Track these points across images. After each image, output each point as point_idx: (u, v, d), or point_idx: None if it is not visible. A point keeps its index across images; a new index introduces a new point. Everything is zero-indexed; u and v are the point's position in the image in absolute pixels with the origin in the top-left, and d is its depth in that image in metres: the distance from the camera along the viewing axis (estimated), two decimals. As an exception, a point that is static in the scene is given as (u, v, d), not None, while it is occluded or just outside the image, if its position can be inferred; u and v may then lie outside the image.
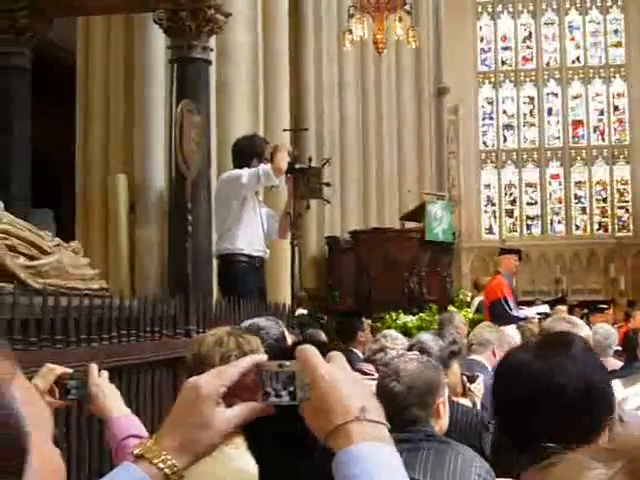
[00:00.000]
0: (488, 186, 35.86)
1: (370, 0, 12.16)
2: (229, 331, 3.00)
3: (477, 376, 4.94)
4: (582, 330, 4.15)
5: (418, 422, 3.26)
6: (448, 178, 28.85)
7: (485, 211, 35.81)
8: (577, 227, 35.55)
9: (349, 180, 16.68)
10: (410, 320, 11.53)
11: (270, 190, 9.13)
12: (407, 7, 12.60)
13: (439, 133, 19.81)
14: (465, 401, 4.72)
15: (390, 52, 16.24)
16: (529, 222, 35.75)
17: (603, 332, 6.69)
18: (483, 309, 11.29)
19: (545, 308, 10.93)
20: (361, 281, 13.43)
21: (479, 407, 4.80)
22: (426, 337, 4.72)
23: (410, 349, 4.52)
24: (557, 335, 1.95)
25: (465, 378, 4.83)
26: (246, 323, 4.15)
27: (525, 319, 10.14)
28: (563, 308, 13.51)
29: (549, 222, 35.56)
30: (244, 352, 2.87)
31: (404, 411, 3.26)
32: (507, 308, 10.23)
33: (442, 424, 3.38)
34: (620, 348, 8.00)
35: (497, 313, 10.10)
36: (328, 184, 8.87)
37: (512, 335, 6.55)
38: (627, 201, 35.42)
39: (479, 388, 4.87)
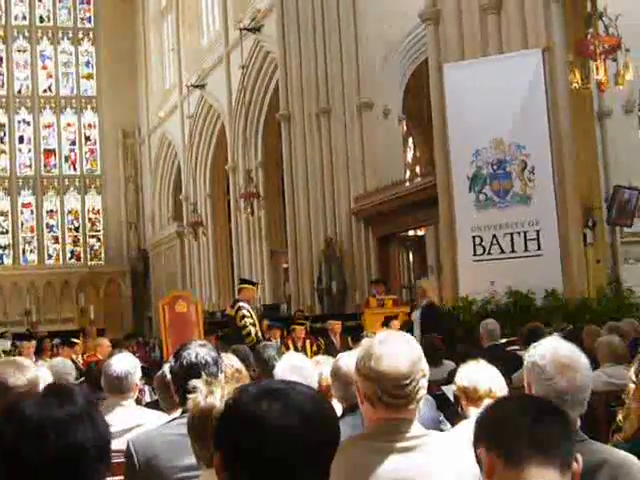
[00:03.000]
0: (-44, 214, 34.45)
1: None
2: None
3: None
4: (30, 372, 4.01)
5: None
6: None
7: (-47, 240, 34.31)
8: (50, 256, 35.51)
9: None
10: None
11: None
12: None
13: None
14: None
15: None
16: (0, 252, 34.94)
17: (60, 364, 6.72)
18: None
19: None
20: None
21: None
22: None
23: None
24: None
25: None
26: None
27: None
28: (30, 344, 13.35)
29: (21, 251, 35.08)
30: None
31: None
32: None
33: None
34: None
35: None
36: None
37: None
38: (99, 230, 36.18)
39: None
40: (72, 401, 1.79)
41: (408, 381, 2.64)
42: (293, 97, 21.53)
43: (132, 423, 4.77)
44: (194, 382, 2.80)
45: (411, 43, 20.68)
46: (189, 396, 2.75)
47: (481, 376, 4.24)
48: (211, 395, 2.66)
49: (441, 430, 4.61)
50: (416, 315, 12.47)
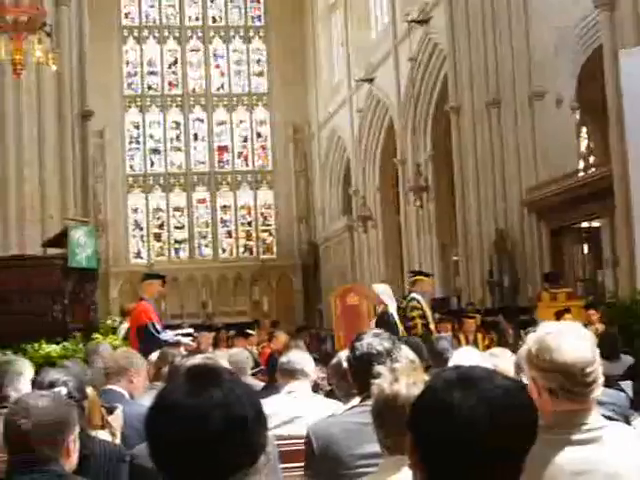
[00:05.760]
0: (136, 210, 35.84)
1: (7, 20, 11.67)
2: None
3: (115, 407, 4.83)
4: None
5: (48, 461, 3.14)
6: (94, 203, 28.34)
7: (133, 235, 35.72)
8: (223, 250, 36.49)
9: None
10: (54, 349, 11.16)
11: None
12: (47, 29, 12.24)
13: (84, 157, 19.33)
14: (104, 433, 4.59)
15: (30, 75, 15.65)
16: (177, 246, 36.16)
17: (239, 354, 6.88)
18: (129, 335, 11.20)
19: (189, 330, 11.03)
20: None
21: (119, 439, 4.70)
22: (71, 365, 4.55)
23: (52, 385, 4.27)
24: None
25: (104, 410, 4.69)
26: None
27: (174, 343, 10.20)
28: (209, 335, 13.75)
29: (196, 245, 36.20)
30: None
31: (33, 450, 3.14)
32: (154, 332, 10.21)
33: (72, 462, 3.27)
34: (264, 368, 8.29)
35: (145, 338, 10.06)
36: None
37: (150, 360, 6.53)
38: (270, 225, 36.89)
39: (118, 419, 4.76)
40: (214, 386, 1.82)
41: (593, 368, 2.60)
42: (462, 88, 21.31)
43: (307, 410, 4.85)
44: (379, 368, 2.82)
45: (585, 29, 20.08)
46: (374, 382, 2.77)
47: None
48: (396, 382, 2.67)
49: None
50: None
